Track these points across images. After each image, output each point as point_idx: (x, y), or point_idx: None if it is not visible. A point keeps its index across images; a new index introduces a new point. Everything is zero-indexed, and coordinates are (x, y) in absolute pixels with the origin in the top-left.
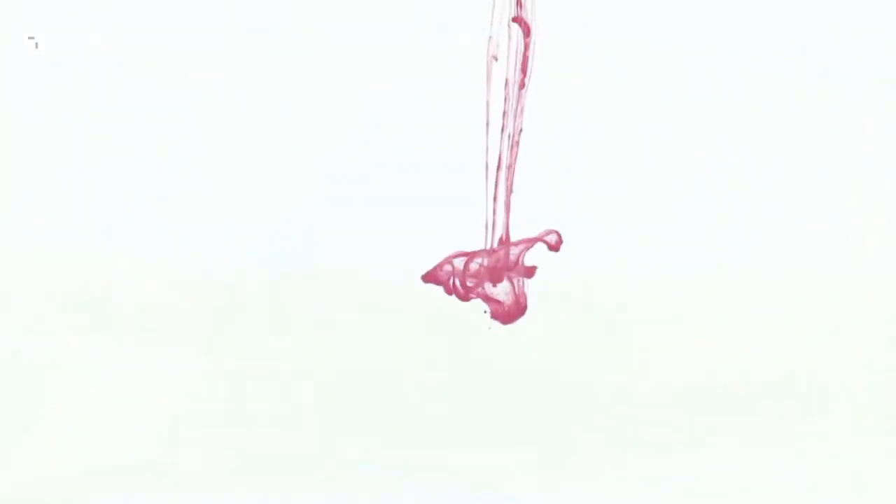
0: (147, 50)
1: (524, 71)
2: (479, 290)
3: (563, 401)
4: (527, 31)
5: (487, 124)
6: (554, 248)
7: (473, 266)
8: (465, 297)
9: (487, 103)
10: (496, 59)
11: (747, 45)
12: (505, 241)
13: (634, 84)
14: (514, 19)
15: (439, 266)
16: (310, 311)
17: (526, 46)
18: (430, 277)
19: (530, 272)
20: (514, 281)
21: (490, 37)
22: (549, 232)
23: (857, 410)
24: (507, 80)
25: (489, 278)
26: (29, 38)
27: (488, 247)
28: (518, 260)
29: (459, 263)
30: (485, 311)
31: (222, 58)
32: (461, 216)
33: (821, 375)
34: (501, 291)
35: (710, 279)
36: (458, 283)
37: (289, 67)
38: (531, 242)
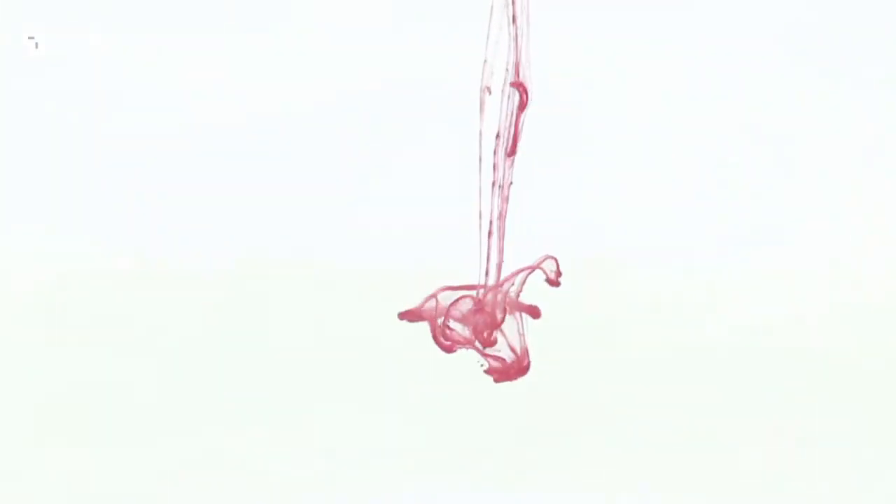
0: (147, 50)
1: (515, 140)
2: (471, 343)
3: (563, 401)
4: (523, 103)
5: (480, 160)
6: (553, 282)
7: (460, 310)
8: (449, 349)
9: (480, 133)
10: (489, 92)
11: (747, 45)
12: (497, 279)
13: (634, 84)
14: (513, 84)
15: (420, 306)
16: (309, 310)
17: (518, 119)
18: (410, 316)
19: (535, 312)
20: (514, 337)
21: (485, 60)
22: (546, 258)
23: (858, 410)
24: (498, 132)
25: (479, 335)
26: (29, 38)
27: (483, 265)
28: (509, 293)
29: (446, 300)
30: (481, 365)
31: (222, 58)
32: (460, 216)
33: (821, 375)
34: (501, 344)
35: (710, 279)
36: (441, 329)
37: (289, 67)
38: (526, 272)
